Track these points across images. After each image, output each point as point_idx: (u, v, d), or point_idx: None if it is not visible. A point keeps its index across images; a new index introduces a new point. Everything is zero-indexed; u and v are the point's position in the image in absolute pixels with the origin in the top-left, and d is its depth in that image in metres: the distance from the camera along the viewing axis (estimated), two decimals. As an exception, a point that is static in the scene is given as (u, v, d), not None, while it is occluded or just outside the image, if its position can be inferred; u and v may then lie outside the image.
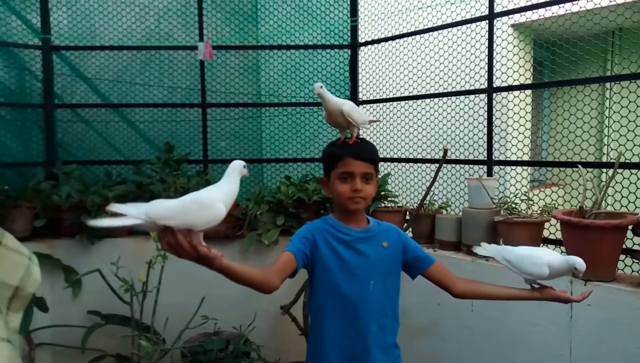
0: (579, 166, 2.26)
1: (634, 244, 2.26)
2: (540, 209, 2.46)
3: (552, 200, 2.87)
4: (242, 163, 1.33)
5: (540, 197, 3.02)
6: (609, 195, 2.92)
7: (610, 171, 2.13)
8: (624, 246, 2.24)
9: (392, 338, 1.68)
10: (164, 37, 3.60)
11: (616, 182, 2.35)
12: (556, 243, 2.48)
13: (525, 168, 2.87)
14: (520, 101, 2.89)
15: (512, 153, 3.12)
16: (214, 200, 1.20)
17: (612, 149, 2.70)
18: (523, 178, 2.83)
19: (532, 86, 2.79)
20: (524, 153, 2.97)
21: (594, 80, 2.56)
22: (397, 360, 1.69)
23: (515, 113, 2.93)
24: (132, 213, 1.16)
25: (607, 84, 3.51)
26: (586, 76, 2.71)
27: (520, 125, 2.85)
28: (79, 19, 3.55)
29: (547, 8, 2.64)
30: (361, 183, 1.57)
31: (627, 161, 2.32)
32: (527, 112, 2.99)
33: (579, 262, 1.54)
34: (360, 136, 1.69)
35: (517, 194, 2.63)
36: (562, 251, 2.33)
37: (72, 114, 3.57)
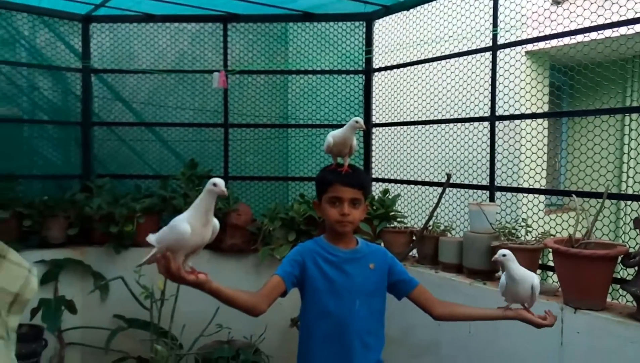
0: (573, 195, 2.33)
1: (627, 274, 2.30)
2: (538, 235, 2.52)
3: (569, 225, 2.90)
4: (214, 180, 1.40)
5: (557, 222, 3.04)
6: (617, 227, 2.94)
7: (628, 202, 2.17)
8: (618, 276, 2.29)
9: (377, 355, 1.78)
10: (197, 58, 3.88)
11: (624, 214, 2.38)
12: (553, 269, 2.53)
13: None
14: (532, 129, 2.95)
15: (525, 180, 3.14)
16: (177, 221, 1.36)
17: (633, 180, 2.69)
18: (540, 201, 2.85)
19: (536, 115, 2.85)
20: (540, 178, 3.01)
21: (605, 111, 2.57)
22: None
23: (527, 141, 2.99)
24: (151, 240, 1.40)
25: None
26: (603, 103, 2.74)
27: (533, 153, 2.91)
28: (119, 42, 3.87)
29: (552, 40, 2.72)
30: (349, 208, 1.70)
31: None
32: (539, 140, 3.04)
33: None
34: (352, 164, 1.83)
35: (518, 220, 2.69)
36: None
37: (107, 132, 3.88)
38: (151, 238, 1.42)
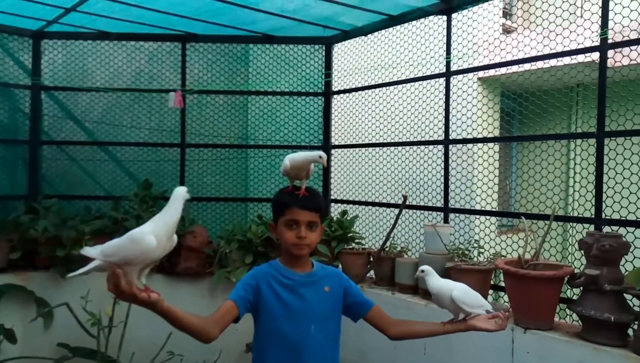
0: (522, 217, 2.40)
1: (573, 294, 2.37)
2: (490, 256, 2.58)
3: (519, 246, 2.98)
4: (185, 188, 1.35)
5: (508, 243, 3.13)
6: (564, 248, 3.05)
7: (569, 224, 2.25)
8: (565, 296, 2.36)
9: None
10: (154, 77, 3.81)
11: (570, 236, 2.47)
12: (504, 290, 2.58)
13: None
14: (484, 153, 3.05)
15: (477, 202, 3.24)
16: (143, 234, 1.26)
17: (578, 203, 2.82)
18: (491, 223, 2.94)
19: (487, 139, 2.95)
20: (492, 201, 3.11)
21: (552, 137, 2.70)
22: None
23: (479, 164, 3.09)
24: (93, 254, 1.28)
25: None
26: (550, 129, 2.87)
27: (484, 176, 3.00)
28: (72, 59, 3.76)
29: (503, 68, 2.84)
30: (306, 231, 1.68)
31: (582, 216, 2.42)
32: (491, 163, 3.14)
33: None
34: (309, 186, 1.82)
35: (471, 241, 2.75)
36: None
37: (57, 151, 3.73)
38: (90, 251, 1.30)
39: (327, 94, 3.70)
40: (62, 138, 3.74)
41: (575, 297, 2.32)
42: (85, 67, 3.77)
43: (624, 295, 2.02)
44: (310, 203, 1.71)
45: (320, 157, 1.71)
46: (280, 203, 1.73)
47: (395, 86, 3.27)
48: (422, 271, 1.78)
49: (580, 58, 2.58)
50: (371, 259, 3.14)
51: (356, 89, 3.56)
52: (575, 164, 3.53)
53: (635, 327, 1.95)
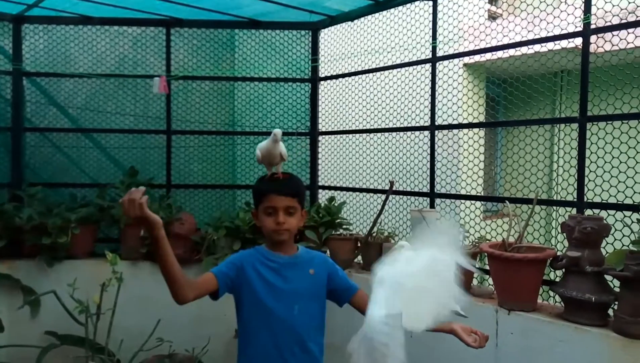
0: (507, 201, 2.44)
1: (556, 276, 2.42)
2: (475, 240, 2.62)
3: (503, 230, 3.04)
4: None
5: (492, 227, 3.18)
6: (547, 231, 3.10)
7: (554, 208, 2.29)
8: (548, 278, 2.41)
9: (318, 362, 1.79)
10: (138, 63, 3.75)
11: (553, 219, 2.51)
12: (489, 273, 2.62)
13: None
14: (469, 138, 3.08)
15: (463, 187, 3.28)
16: None
17: (561, 187, 2.87)
18: (476, 208, 2.99)
19: (473, 125, 2.97)
20: (477, 185, 3.15)
21: (536, 121, 2.74)
22: None
23: (465, 149, 3.12)
24: None
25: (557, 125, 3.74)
26: (534, 114, 2.90)
27: (470, 161, 3.03)
28: (54, 44, 3.68)
29: (488, 54, 2.85)
30: (284, 216, 1.71)
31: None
32: (476, 148, 3.18)
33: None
34: (288, 171, 1.84)
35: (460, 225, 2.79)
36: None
37: (40, 138, 3.68)
38: None
39: (314, 80, 3.68)
40: (46, 124, 3.68)
41: (557, 280, 2.37)
42: (68, 53, 3.70)
43: (605, 276, 2.07)
44: (286, 189, 1.74)
45: (275, 134, 1.80)
46: (258, 190, 1.77)
47: (382, 72, 3.27)
48: (402, 246, 1.78)
49: (564, 44, 2.61)
50: (359, 244, 3.17)
51: (343, 75, 3.55)
52: (558, 149, 3.59)
53: (615, 307, 2.01)
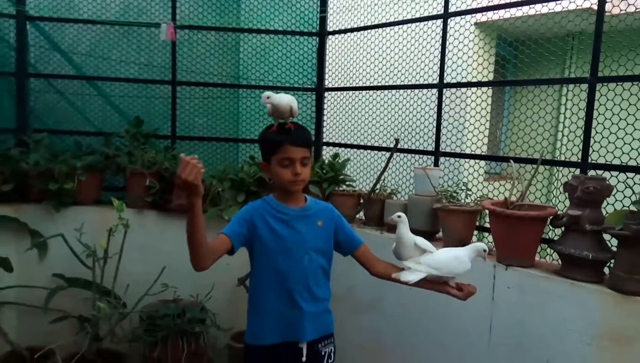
0: (511, 161, 2.45)
1: (555, 235, 2.47)
2: (477, 199, 2.65)
3: (506, 189, 3.06)
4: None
5: (495, 187, 3.21)
6: (549, 191, 3.14)
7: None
8: (547, 236, 2.46)
9: (325, 304, 1.88)
10: (143, 11, 3.67)
11: (556, 179, 2.52)
12: (489, 231, 2.68)
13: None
14: (477, 97, 3.06)
15: (468, 146, 3.29)
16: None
17: (566, 148, 2.88)
18: (480, 167, 3.01)
19: (481, 83, 2.95)
20: (482, 145, 3.15)
21: (544, 81, 2.72)
22: (329, 326, 1.90)
23: (472, 108, 3.11)
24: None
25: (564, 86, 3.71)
26: (543, 74, 2.88)
27: (476, 120, 3.03)
28: (57, -12, 3.60)
29: (501, 10, 2.80)
30: (300, 167, 1.73)
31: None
32: (483, 108, 3.17)
33: (482, 246, 1.74)
34: (295, 122, 1.83)
35: (459, 184, 2.82)
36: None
37: (44, 84, 3.65)
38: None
39: (322, 34, 3.62)
40: (50, 70, 3.64)
41: (556, 239, 2.42)
42: (71, -2, 3.62)
43: (603, 235, 2.11)
44: (302, 139, 1.76)
45: (268, 97, 1.80)
46: (272, 141, 1.76)
47: (392, 28, 3.21)
48: (399, 216, 1.83)
49: (580, 1, 2.56)
50: (361, 201, 3.21)
51: (352, 30, 3.49)
52: (566, 109, 3.58)
53: (612, 264, 2.06)
